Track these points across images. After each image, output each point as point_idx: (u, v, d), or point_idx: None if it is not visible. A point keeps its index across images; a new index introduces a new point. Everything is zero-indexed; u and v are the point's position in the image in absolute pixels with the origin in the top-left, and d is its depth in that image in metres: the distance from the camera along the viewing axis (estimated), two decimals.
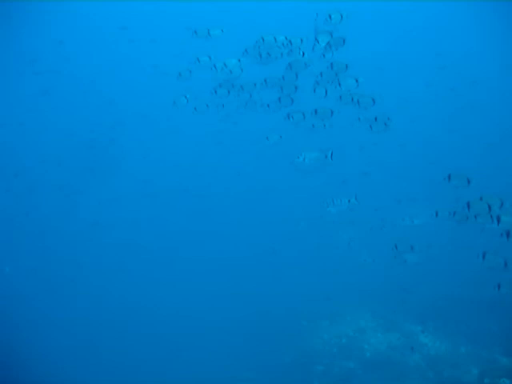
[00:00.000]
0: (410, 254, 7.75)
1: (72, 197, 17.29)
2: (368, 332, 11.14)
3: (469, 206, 5.86)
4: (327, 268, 12.84)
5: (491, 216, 5.81)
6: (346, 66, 7.29)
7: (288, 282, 12.51)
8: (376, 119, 7.19)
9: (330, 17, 7.17)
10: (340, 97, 7.32)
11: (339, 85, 7.25)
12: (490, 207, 5.85)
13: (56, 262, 14.66)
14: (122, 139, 18.60)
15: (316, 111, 7.30)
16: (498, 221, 5.76)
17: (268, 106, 7.58)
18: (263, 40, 7.27)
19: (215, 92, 7.89)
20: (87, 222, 16.29)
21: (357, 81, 7.30)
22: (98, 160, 18.16)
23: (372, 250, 12.73)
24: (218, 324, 11.63)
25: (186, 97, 8.33)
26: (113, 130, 18.54)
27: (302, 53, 7.38)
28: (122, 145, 18.58)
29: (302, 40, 7.38)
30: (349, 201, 7.96)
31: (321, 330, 11.39)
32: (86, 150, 18.45)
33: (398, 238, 7.95)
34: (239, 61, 7.74)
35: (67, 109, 20.27)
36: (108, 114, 19.45)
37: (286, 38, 7.32)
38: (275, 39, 7.28)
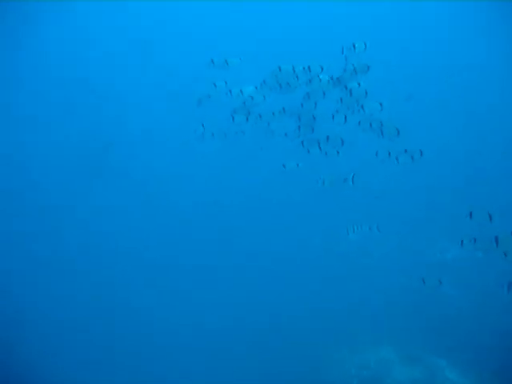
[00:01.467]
0: (440, 287, 7.46)
1: (71, 198, 17.30)
2: (390, 364, 10.74)
3: (497, 241, 5.61)
4: (347, 295, 12.50)
5: None
6: (366, 93, 7.25)
7: (306, 308, 12.21)
8: (406, 151, 6.96)
9: (354, 46, 7.24)
10: (359, 122, 7.25)
11: (362, 108, 7.20)
12: None
13: (54, 263, 14.62)
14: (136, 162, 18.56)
15: (328, 138, 7.21)
16: None
17: (286, 135, 7.53)
18: (280, 69, 7.28)
19: (233, 119, 7.88)
20: (86, 222, 16.32)
21: (381, 104, 7.23)
22: (102, 165, 18.26)
23: (393, 279, 12.41)
24: (233, 351, 11.35)
25: (203, 125, 8.34)
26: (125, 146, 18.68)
27: (320, 81, 7.36)
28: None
29: (322, 68, 7.36)
30: (369, 228, 7.77)
31: (340, 360, 11.05)
32: (94, 154, 18.53)
33: (425, 270, 7.65)
34: (256, 88, 7.75)
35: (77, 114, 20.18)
36: (121, 133, 19.50)
37: (304, 68, 7.31)
38: (293, 68, 7.28)
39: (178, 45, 21.52)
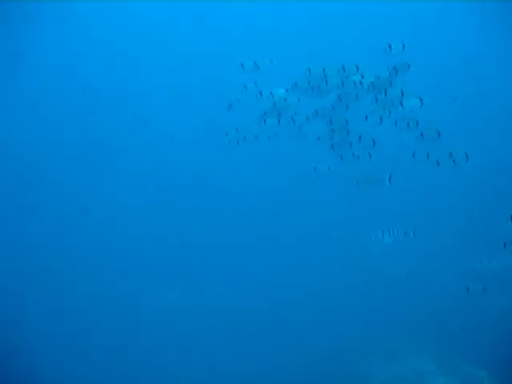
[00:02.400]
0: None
1: (69, 196, 17.37)
2: (427, 375, 10.33)
3: None
4: (381, 302, 12.15)
5: None
6: (402, 93, 6.93)
7: (342, 314, 11.98)
8: (451, 155, 6.56)
9: (390, 47, 6.93)
10: (395, 122, 6.93)
11: (401, 105, 6.86)
12: None
13: (53, 263, 14.71)
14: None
15: (360, 140, 6.96)
16: None
17: (318, 138, 7.33)
18: (310, 71, 7.08)
19: (264, 122, 7.74)
20: (84, 221, 16.35)
21: (421, 100, 6.88)
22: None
23: (433, 286, 11.93)
24: (266, 363, 11.20)
25: (236, 129, 8.25)
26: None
27: (355, 84, 7.09)
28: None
29: (357, 68, 7.11)
30: (405, 233, 7.52)
31: (377, 369, 10.70)
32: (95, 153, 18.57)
33: (469, 278, 7.27)
34: (287, 91, 7.60)
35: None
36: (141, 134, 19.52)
37: (341, 69, 7.06)
38: (323, 70, 7.07)
39: (204, 47, 21.42)
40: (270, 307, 12.79)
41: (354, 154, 6.99)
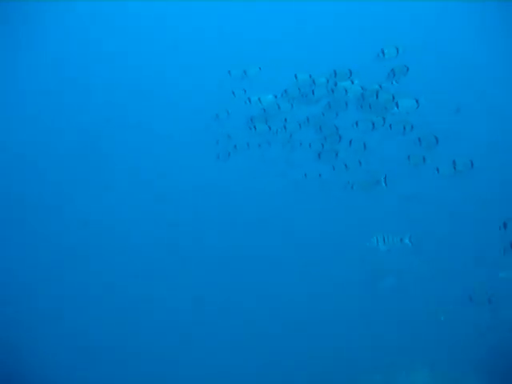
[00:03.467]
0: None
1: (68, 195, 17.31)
2: None
3: None
4: (379, 312, 11.94)
5: None
6: (393, 97, 6.72)
7: (336, 331, 11.74)
8: (454, 163, 6.28)
9: (383, 52, 6.69)
10: (390, 126, 6.66)
11: (397, 106, 6.59)
12: None
13: (53, 263, 14.67)
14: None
15: (350, 145, 6.81)
16: None
17: (310, 145, 7.19)
18: (297, 78, 6.94)
19: (254, 128, 7.60)
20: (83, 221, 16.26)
21: (417, 101, 6.63)
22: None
23: (430, 296, 11.67)
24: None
25: (229, 135, 8.15)
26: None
27: (346, 92, 6.93)
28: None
29: (350, 72, 6.93)
30: (401, 240, 7.31)
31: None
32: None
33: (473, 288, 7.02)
34: (275, 97, 7.50)
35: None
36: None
37: (332, 74, 6.91)
38: (310, 77, 6.92)
39: (192, 54, 21.36)
40: (262, 319, 12.62)
41: (345, 165, 6.86)
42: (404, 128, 6.64)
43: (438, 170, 6.36)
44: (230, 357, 11.42)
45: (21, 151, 18.63)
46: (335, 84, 6.95)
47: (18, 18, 19.04)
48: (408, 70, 6.67)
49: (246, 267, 14.48)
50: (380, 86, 6.79)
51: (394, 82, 6.77)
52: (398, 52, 6.65)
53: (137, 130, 19.63)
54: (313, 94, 6.88)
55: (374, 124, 6.76)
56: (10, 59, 19.90)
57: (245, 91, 7.53)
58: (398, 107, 6.61)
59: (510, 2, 17.27)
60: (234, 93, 7.37)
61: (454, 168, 6.24)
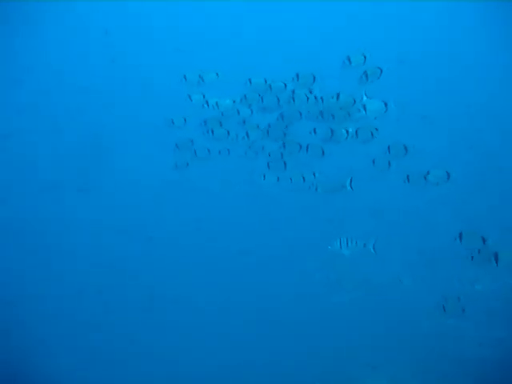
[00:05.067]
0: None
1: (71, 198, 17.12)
2: None
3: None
4: (337, 319, 11.67)
5: None
6: (354, 101, 6.33)
7: (294, 340, 11.45)
8: (428, 174, 5.99)
9: (350, 60, 6.22)
10: (356, 132, 6.22)
11: (364, 110, 6.18)
12: None
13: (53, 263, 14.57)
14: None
15: (307, 148, 6.53)
16: None
17: (269, 155, 6.92)
18: (250, 82, 6.63)
19: (212, 132, 7.27)
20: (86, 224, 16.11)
21: (386, 105, 6.19)
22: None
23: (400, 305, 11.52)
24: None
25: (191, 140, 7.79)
26: None
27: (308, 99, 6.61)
28: None
29: (314, 78, 6.53)
30: (364, 245, 7.13)
31: None
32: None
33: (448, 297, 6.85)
34: (234, 102, 7.23)
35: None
36: None
37: (294, 77, 6.54)
38: (265, 81, 6.63)
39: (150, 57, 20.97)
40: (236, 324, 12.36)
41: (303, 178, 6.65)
42: (372, 134, 6.31)
43: (408, 178, 6.08)
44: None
45: (20, 151, 18.33)
46: (292, 91, 6.65)
47: (18, 18, 18.86)
48: (382, 72, 6.24)
49: (210, 277, 14.23)
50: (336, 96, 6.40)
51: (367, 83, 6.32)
52: (365, 60, 6.23)
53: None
54: (262, 99, 6.59)
55: (332, 131, 6.41)
56: (10, 59, 19.54)
57: (204, 96, 7.23)
58: (365, 111, 6.23)
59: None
60: (190, 97, 7.05)
61: (426, 179, 6.01)
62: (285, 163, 6.85)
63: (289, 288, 13.09)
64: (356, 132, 6.31)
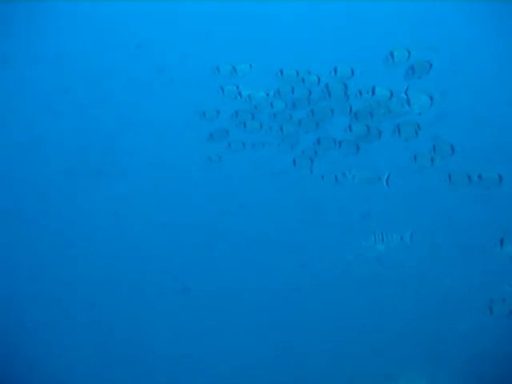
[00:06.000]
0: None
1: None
2: None
3: None
4: (377, 316, 11.50)
5: None
6: (391, 94, 5.98)
7: (330, 337, 11.32)
8: (479, 176, 5.63)
9: (392, 55, 5.84)
10: (398, 129, 5.86)
11: (408, 104, 5.83)
12: None
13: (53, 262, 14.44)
14: None
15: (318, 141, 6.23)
16: None
17: (303, 152, 6.73)
18: (282, 74, 6.39)
19: (244, 125, 7.15)
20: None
21: (431, 99, 5.82)
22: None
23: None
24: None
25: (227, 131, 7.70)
26: None
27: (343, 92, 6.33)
28: None
29: (352, 72, 6.31)
30: (401, 238, 6.90)
31: None
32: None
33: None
34: (267, 95, 7.07)
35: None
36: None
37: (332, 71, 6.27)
38: (297, 73, 6.35)
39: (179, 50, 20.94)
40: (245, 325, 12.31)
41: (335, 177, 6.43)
42: (416, 133, 5.91)
43: (450, 177, 5.72)
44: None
45: (21, 151, 18.06)
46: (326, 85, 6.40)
47: (18, 18, 18.73)
48: (431, 66, 5.80)
49: (240, 270, 14.19)
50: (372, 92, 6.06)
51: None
52: (409, 55, 5.82)
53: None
54: (293, 92, 6.37)
55: (369, 127, 6.14)
56: (10, 59, 19.49)
57: (237, 87, 7.09)
58: (409, 106, 5.81)
59: None
60: (222, 89, 6.92)
61: (470, 180, 5.64)
62: (319, 157, 6.66)
63: (324, 283, 12.93)
64: (398, 129, 5.96)
